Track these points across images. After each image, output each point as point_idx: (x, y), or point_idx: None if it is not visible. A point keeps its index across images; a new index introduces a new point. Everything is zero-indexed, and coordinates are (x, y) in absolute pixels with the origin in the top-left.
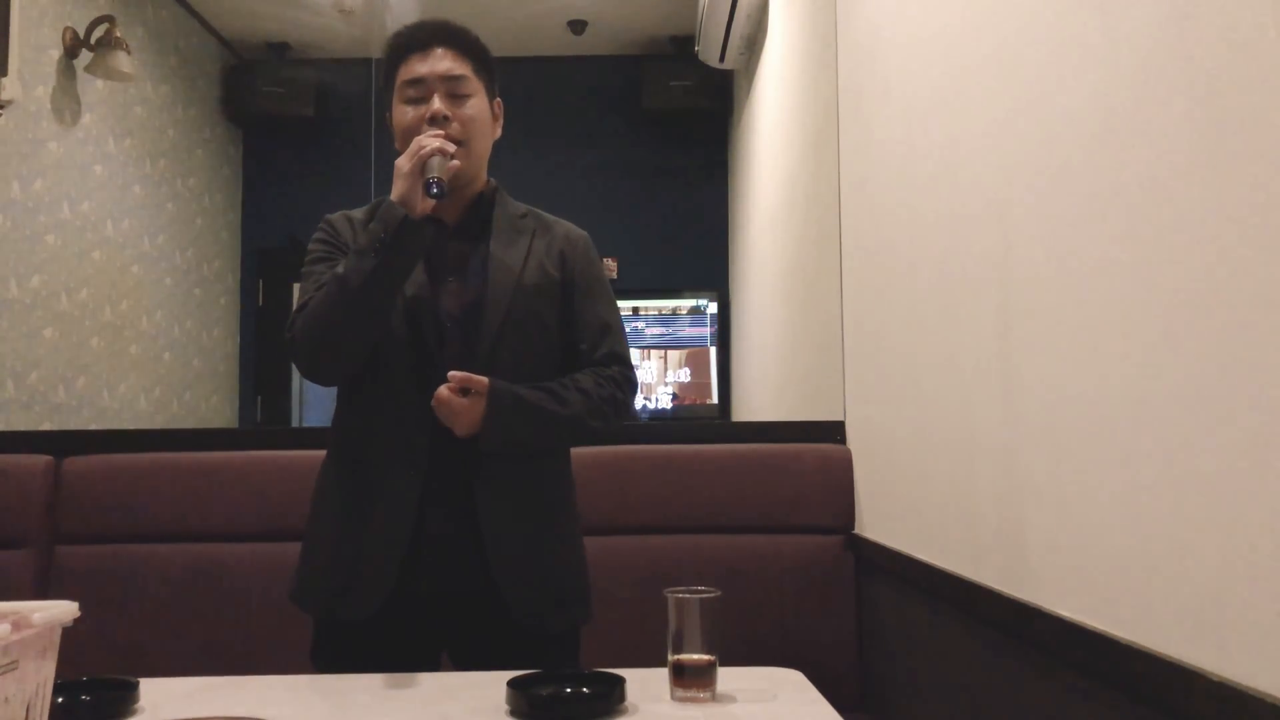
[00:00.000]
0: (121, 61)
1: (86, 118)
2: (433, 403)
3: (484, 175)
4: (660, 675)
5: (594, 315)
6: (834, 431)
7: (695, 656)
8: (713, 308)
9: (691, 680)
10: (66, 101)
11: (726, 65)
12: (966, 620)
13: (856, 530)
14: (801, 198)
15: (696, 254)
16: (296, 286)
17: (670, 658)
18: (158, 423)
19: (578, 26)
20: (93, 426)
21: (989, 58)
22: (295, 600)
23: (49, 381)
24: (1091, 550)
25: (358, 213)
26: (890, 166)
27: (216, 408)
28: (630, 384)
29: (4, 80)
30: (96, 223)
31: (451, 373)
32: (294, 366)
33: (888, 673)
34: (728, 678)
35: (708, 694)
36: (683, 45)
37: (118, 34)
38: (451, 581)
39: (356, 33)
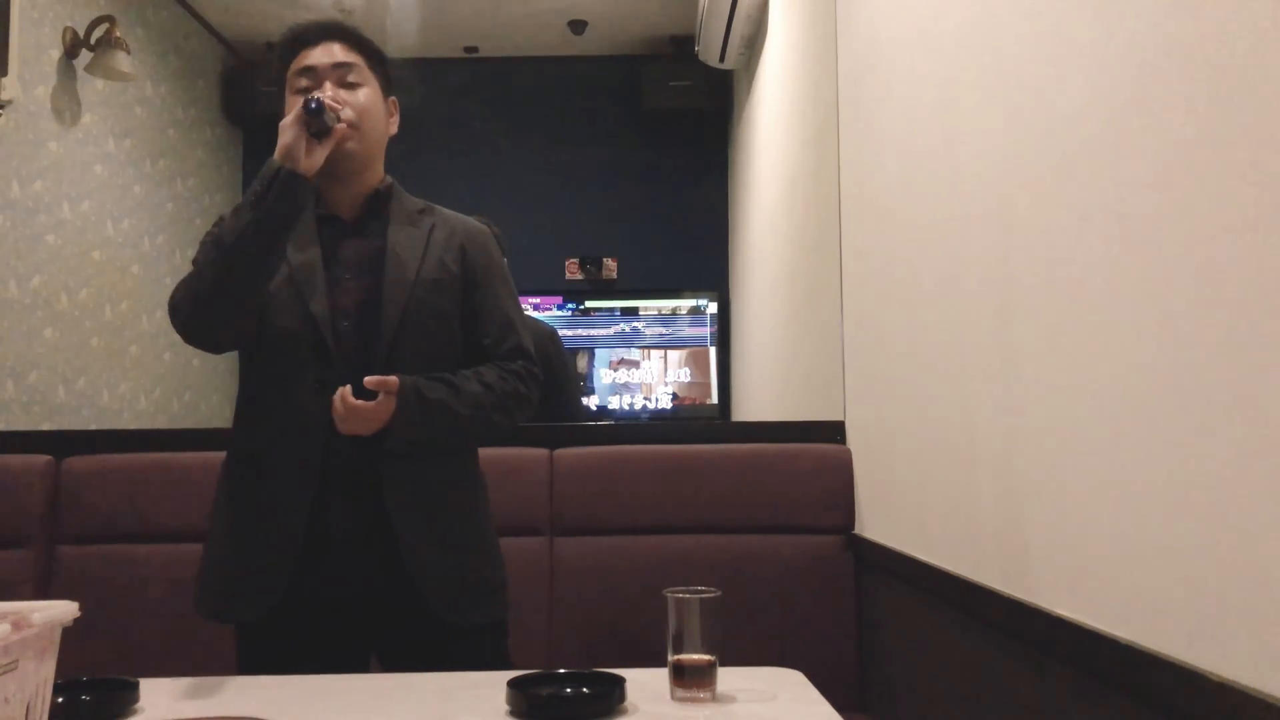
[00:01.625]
0: (121, 61)
1: (86, 118)
2: (337, 404)
3: (380, 171)
4: (660, 675)
5: (496, 309)
6: (834, 431)
7: (695, 656)
8: (713, 308)
9: (691, 680)
10: (66, 101)
11: (726, 65)
12: (966, 620)
13: (856, 530)
14: (801, 198)
15: (696, 254)
16: None
17: (670, 658)
18: (158, 423)
19: (578, 26)
20: (93, 426)
21: (989, 57)
22: (197, 607)
23: (49, 381)
24: (1091, 550)
25: None
26: (890, 166)
27: (216, 408)
28: (534, 378)
29: (4, 80)
30: (96, 223)
31: (367, 379)
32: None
33: (888, 673)
34: (728, 678)
35: (708, 694)
36: (683, 45)
37: (118, 34)
38: (361, 581)
39: None
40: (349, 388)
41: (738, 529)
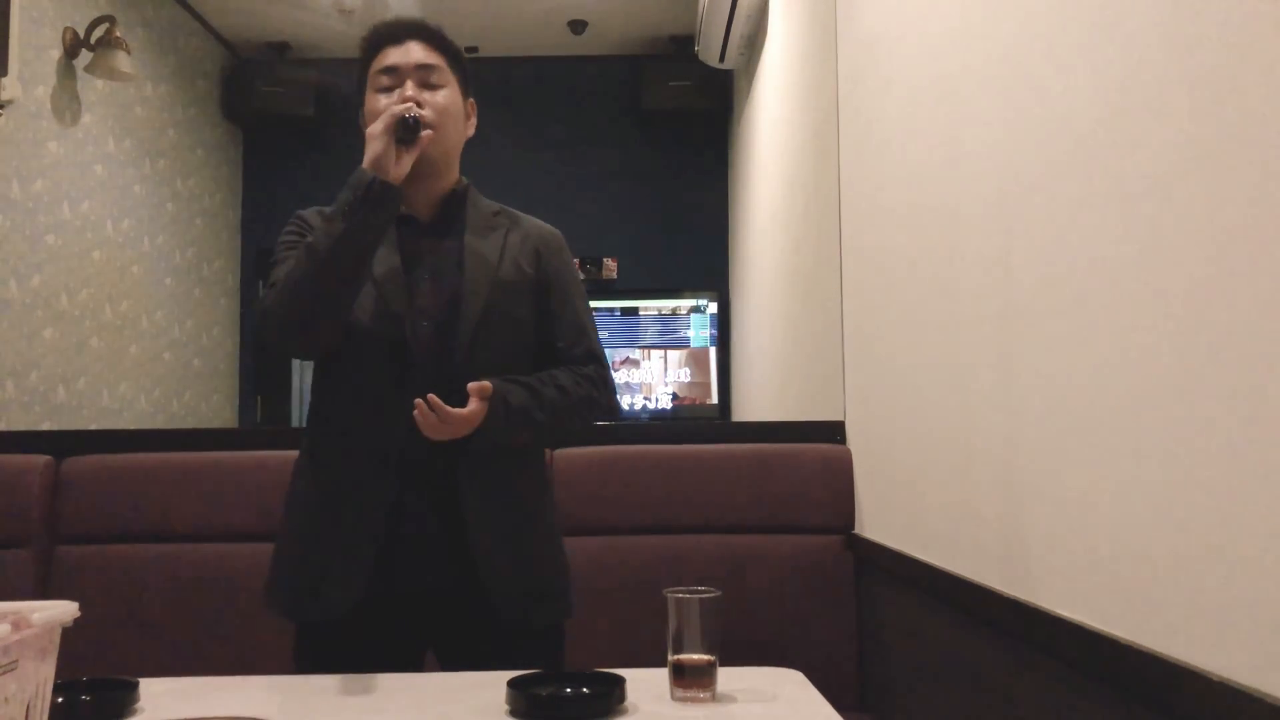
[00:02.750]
0: (121, 61)
1: (86, 118)
2: (426, 412)
3: (456, 172)
4: (660, 675)
5: (570, 313)
6: (834, 431)
7: (695, 656)
8: (713, 308)
9: (691, 680)
10: (66, 101)
11: (726, 65)
12: (966, 620)
13: (856, 530)
14: (801, 198)
15: (696, 254)
16: None
17: (670, 658)
18: (158, 423)
19: (578, 26)
20: (93, 426)
21: (989, 57)
22: (266, 603)
23: (49, 381)
24: (1091, 550)
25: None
26: (890, 166)
27: (216, 408)
28: (606, 383)
29: (4, 80)
30: (96, 223)
31: (471, 385)
32: (275, 345)
33: (888, 673)
34: (728, 678)
35: (708, 694)
36: (683, 45)
37: (118, 34)
38: (431, 580)
39: (356, 33)
40: (434, 396)
41: (738, 529)
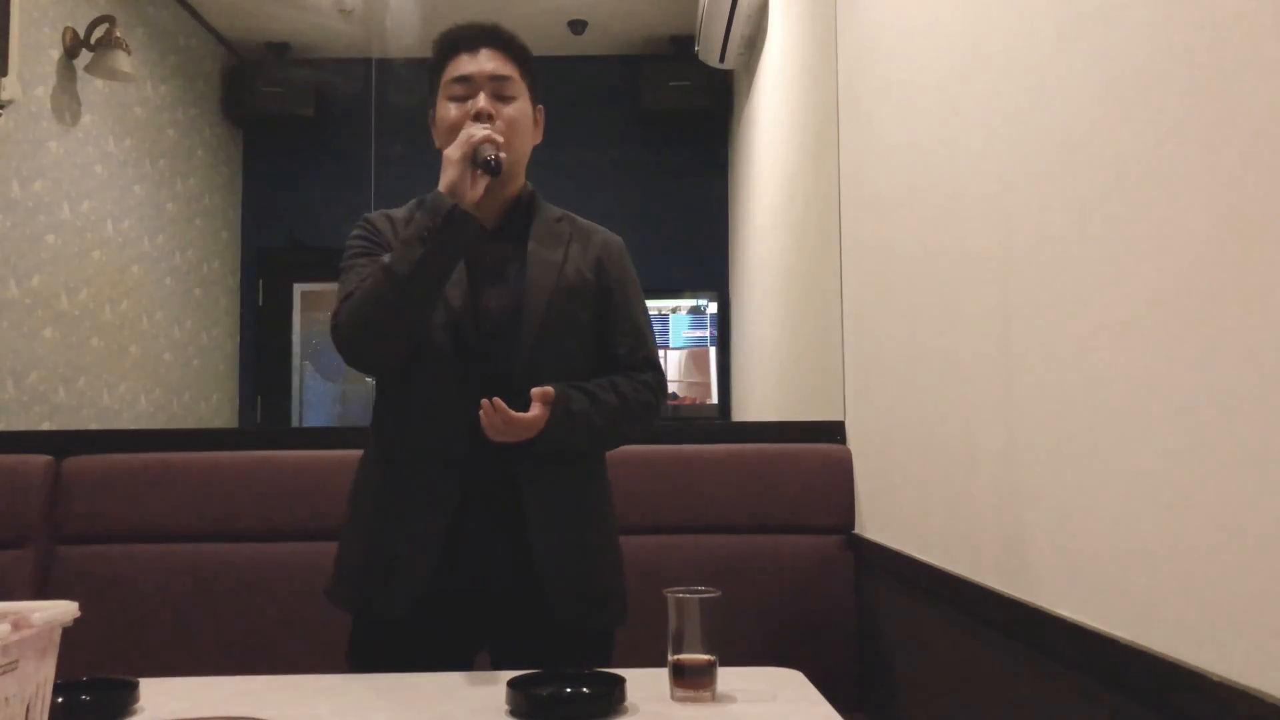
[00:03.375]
0: (121, 61)
1: (86, 118)
2: (490, 413)
3: (522, 179)
4: (660, 675)
5: (630, 320)
6: (834, 431)
7: (695, 656)
8: (713, 308)
9: (691, 680)
10: (66, 101)
11: (726, 65)
12: (966, 620)
13: (856, 530)
14: (801, 198)
15: (696, 254)
16: (297, 287)
17: (670, 658)
18: (158, 423)
19: (578, 26)
20: (93, 426)
21: (989, 57)
22: (331, 597)
23: (49, 381)
24: (1091, 550)
25: (398, 211)
26: (890, 166)
27: (216, 408)
28: (663, 389)
29: (4, 80)
30: (96, 223)
31: (534, 390)
32: (340, 354)
33: (888, 673)
34: (728, 678)
35: (708, 694)
36: (683, 45)
37: (118, 34)
38: (491, 580)
39: (356, 33)
40: (499, 399)
41: (738, 529)
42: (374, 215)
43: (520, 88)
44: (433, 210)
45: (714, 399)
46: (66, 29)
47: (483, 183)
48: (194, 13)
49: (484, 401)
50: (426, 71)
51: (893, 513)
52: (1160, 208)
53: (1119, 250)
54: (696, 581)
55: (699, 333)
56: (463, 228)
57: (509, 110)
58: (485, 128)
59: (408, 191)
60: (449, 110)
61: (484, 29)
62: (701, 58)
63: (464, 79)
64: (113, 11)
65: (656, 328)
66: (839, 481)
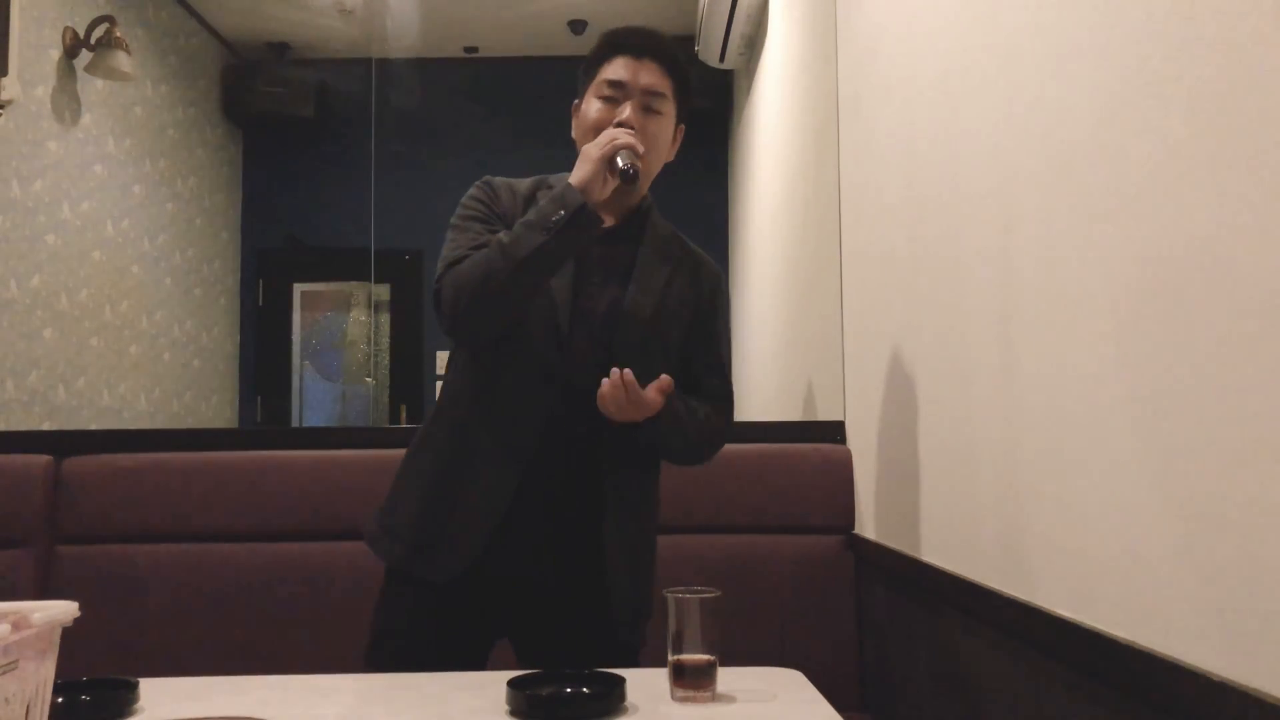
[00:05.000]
0: (121, 61)
1: (86, 118)
2: (618, 383)
3: (645, 189)
4: (660, 675)
5: (715, 351)
6: (834, 431)
7: (695, 656)
8: None
9: (691, 680)
10: (66, 101)
11: (726, 65)
12: (966, 620)
13: (856, 530)
14: (801, 198)
15: None
16: (297, 287)
17: (670, 658)
18: (158, 423)
19: (578, 26)
20: (93, 426)
21: (989, 57)
22: (373, 544)
23: (49, 381)
24: (1091, 550)
25: (521, 184)
26: (890, 166)
27: (216, 408)
28: (731, 421)
29: (4, 80)
30: (96, 223)
31: (664, 375)
32: (438, 318)
33: (887, 673)
34: (728, 678)
35: (708, 694)
36: (683, 45)
37: (118, 34)
38: (537, 569)
39: (356, 33)
40: (629, 371)
41: (738, 529)
42: (497, 181)
43: (669, 105)
44: (563, 201)
45: None
46: (66, 29)
47: (612, 186)
48: (194, 13)
49: (616, 370)
50: (581, 65)
51: (893, 513)
52: (1161, 208)
53: (1119, 250)
54: (696, 581)
55: None
56: (587, 225)
57: (653, 125)
58: (630, 133)
59: (408, 191)
60: (597, 108)
61: (652, 37)
62: (701, 58)
63: (619, 84)
64: (113, 11)
65: None
66: (839, 481)
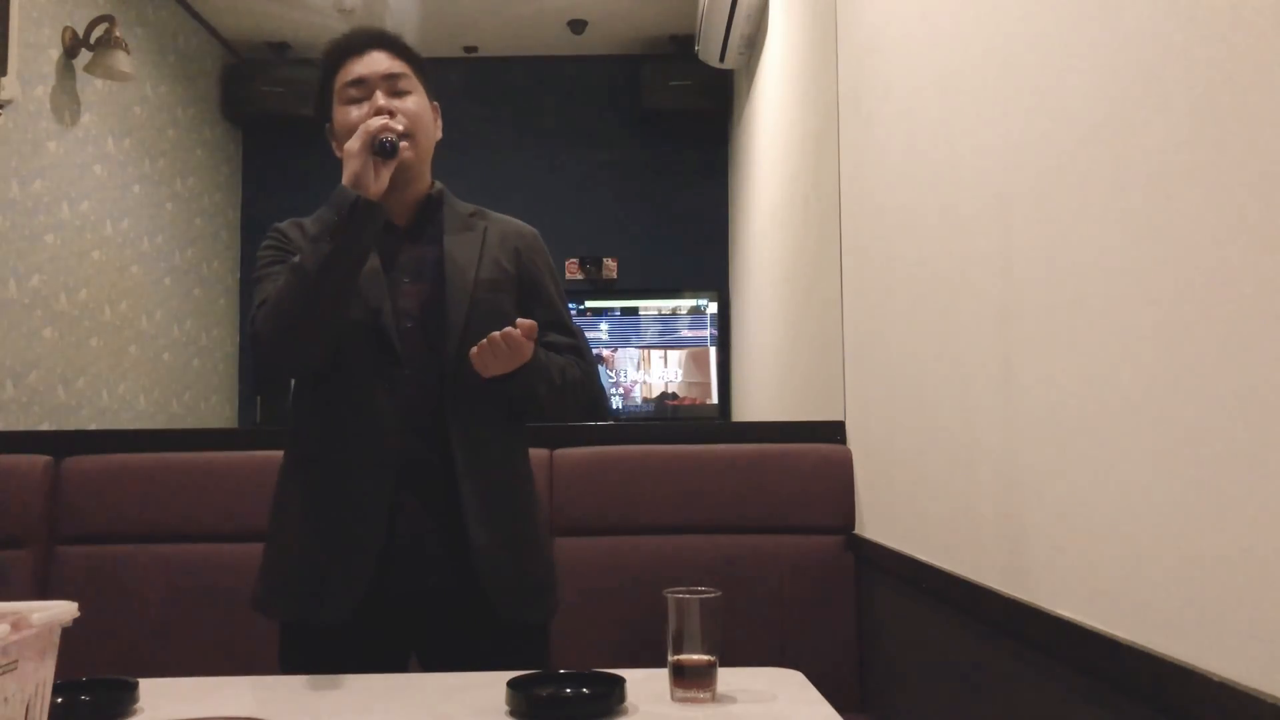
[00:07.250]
0: (121, 61)
1: (86, 118)
2: (498, 342)
3: (429, 176)
4: (660, 675)
5: (552, 311)
6: (834, 431)
7: (695, 657)
8: (713, 308)
9: (691, 681)
10: (66, 101)
11: (726, 65)
12: (966, 620)
13: (856, 530)
14: (801, 198)
15: (696, 254)
16: None
17: (670, 658)
18: (157, 423)
19: (578, 26)
20: (92, 426)
21: (989, 57)
22: (259, 607)
23: (48, 381)
24: (1091, 550)
25: (307, 220)
26: (890, 166)
27: (216, 408)
28: (592, 379)
29: (4, 80)
30: (96, 223)
31: (520, 320)
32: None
33: (888, 673)
34: (728, 678)
35: (708, 694)
36: (683, 45)
37: (117, 34)
38: (429, 580)
39: None
40: (510, 330)
41: (738, 529)
42: (283, 224)
43: (414, 83)
44: (337, 204)
45: (714, 399)
46: (66, 29)
47: (386, 172)
48: (194, 12)
49: (485, 340)
50: (317, 86)
51: (893, 513)
52: (1161, 209)
53: (1120, 250)
54: (696, 581)
55: (699, 333)
56: (368, 218)
57: (407, 104)
58: (383, 118)
59: None
60: (348, 114)
61: (369, 32)
62: (701, 57)
63: (358, 81)
64: (112, 11)
65: (658, 328)
66: (839, 481)
